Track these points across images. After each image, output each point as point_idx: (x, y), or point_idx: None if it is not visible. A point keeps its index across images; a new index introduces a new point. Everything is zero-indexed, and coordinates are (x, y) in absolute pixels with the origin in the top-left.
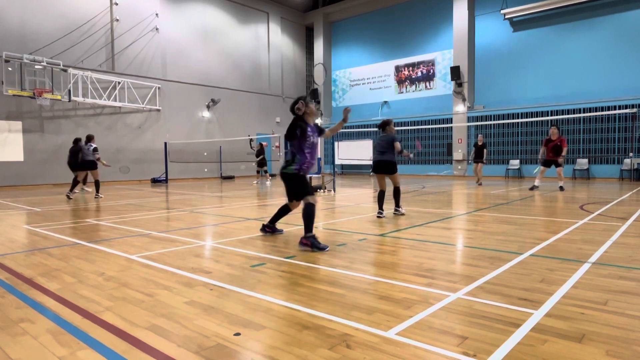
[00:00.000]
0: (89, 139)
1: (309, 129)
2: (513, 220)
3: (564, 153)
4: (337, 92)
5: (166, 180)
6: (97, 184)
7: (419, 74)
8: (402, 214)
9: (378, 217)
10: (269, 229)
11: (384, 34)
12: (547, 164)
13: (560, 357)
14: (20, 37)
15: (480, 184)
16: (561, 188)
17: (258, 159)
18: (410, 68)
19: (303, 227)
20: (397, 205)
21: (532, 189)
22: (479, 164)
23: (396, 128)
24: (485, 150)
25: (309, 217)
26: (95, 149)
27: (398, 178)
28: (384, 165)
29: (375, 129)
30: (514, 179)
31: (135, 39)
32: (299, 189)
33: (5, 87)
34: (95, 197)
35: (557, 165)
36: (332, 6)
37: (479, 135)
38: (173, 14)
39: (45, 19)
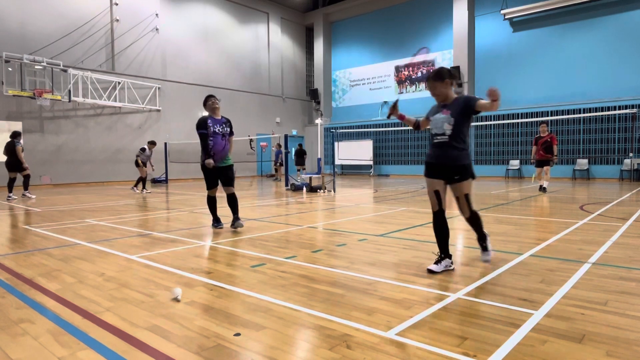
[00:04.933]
0: (149, 143)
1: (209, 121)
2: (513, 221)
3: (555, 152)
4: (337, 93)
5: (166, 181)
6: (140, 181)
7: (419, 74)
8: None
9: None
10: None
11: (384, 34)
12: (540, 164)
13: (560, 358)
14: (20, 37)
15: None
16: (543, 188)
17: (300, 159)
18: (410, 68)
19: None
20: (480, 239)
21: (540, 189)
22: None
23: (396, 128)
24: None
25: None
26: (142, 149)
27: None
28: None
29: (375, 129)
30: (514, 179)
31: (135, 39)
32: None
33: (5, 88)
34: (142, 192)
35: (547, 164)
36: (332, 6)
37: None
38: (173, 14)
39: (45, 19)
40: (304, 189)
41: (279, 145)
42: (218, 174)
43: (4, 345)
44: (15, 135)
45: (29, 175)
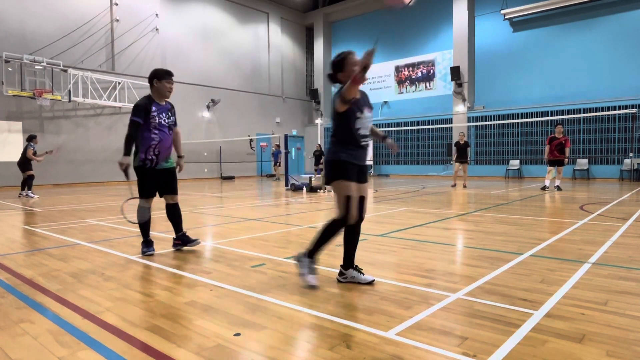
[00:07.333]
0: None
1: (153, 108)
2: (513, 221)
3: (567, 154)
4: None
5: None
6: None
7: (419, 74)
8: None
9: None
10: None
11: (384, 34)
12: (551, 163)
13: (560, 358)
14: (20, 37)
15: (465, 186)
16: (558, 188)
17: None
18: (410, 68)
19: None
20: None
21: (543, 188)
22: (464, 164)
23: (396, 128)
24: (468, 149)
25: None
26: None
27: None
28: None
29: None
30: (514, 179)
31: (135, 39)
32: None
33: (5, 88)
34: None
35: (561, 164)
36: (332, 6)
37: (460, 134)
38: (173, 14)
39: (45, 19)
40: (304, 189)
41: (277, 146)
42: (158, 179)
43: (4, 345)
44: (30, 138)
45: (33, 176)
